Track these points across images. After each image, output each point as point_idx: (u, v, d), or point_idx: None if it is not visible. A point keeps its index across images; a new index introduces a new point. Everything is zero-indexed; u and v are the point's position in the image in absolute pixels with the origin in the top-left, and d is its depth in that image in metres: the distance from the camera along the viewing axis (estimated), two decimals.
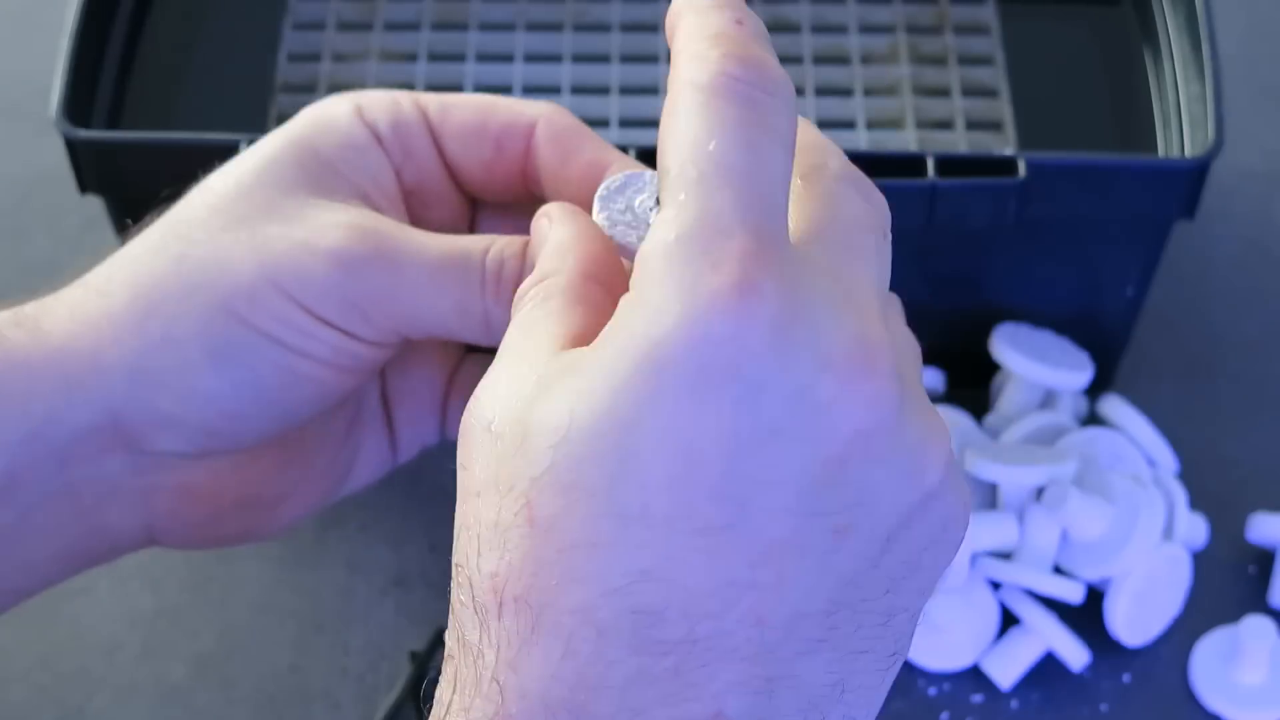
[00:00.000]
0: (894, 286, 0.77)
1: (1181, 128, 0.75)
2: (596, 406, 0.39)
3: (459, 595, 0.42)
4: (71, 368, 0.56)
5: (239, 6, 0.82)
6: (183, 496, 0.59)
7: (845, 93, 0.79)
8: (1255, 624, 0.71)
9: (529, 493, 0.39)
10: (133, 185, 0.74)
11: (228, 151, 0.71)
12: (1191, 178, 0.72)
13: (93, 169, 0.73)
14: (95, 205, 0.77)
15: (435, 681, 0.43)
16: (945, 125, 0.78)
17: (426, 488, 0.77)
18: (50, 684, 0.72)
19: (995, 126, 0.77)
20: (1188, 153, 0.74)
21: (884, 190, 0.72)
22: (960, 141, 0.77)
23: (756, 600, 0.39)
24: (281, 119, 0.78)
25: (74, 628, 0.74)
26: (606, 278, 0.47)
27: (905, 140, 0.77)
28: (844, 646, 0.40)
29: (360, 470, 0.63)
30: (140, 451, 0.57)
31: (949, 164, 0.71)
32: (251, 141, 0.71)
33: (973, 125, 0.78)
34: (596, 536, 0.39)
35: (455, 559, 0.42)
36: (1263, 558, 0.76)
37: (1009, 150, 0.76)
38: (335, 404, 0.59)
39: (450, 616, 0.42)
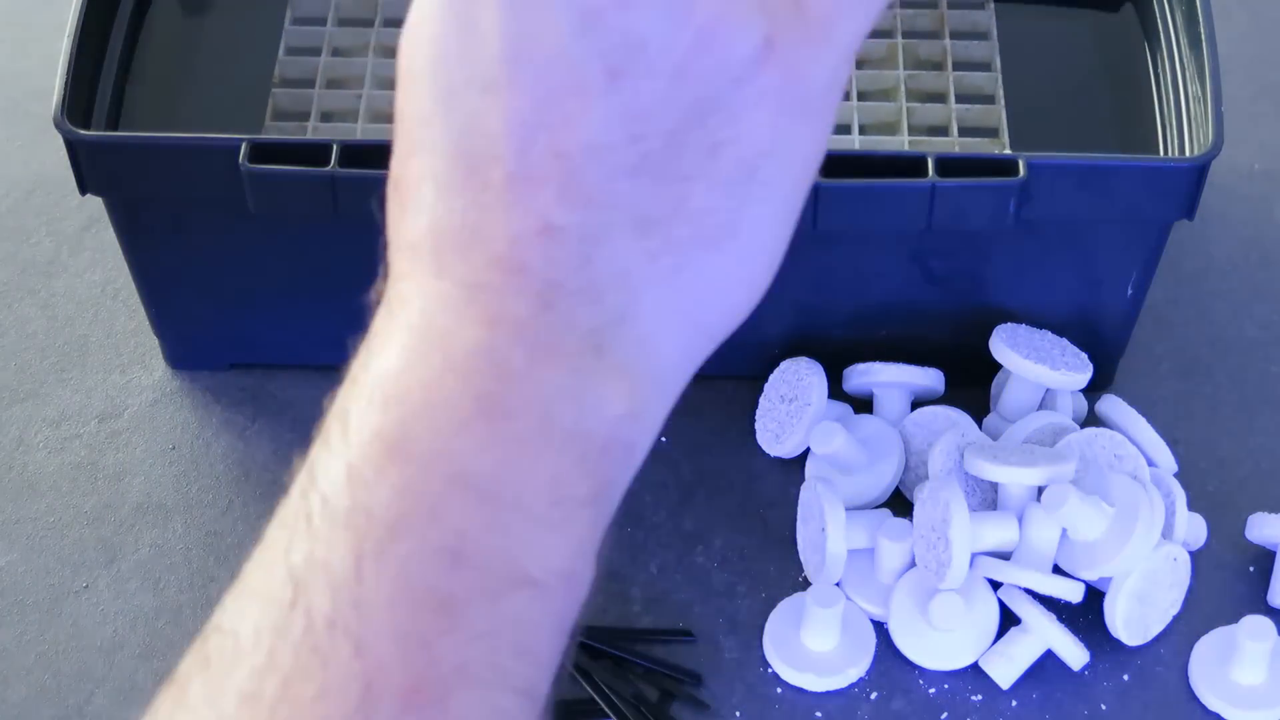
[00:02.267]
0: (894, 288, 0.78)
1: (1181, 128, 0.76)
2: (416, 14, 0.47)
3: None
4: None
5: (239, 6, 0.82)
6: None
7: (842, 96, 0.79)
8: (1254, 624, 0.71)
9: (399, 89, 0.47)
10: (133, 185, 0.74)
11: (228, 152, 0.71)
12: (1191, 178, 0.72)
13: (93, 169, 0.73)
14: (95, 205, 0.77)
15: None
16: (941, 130, 0.78)
17: None
18: (51, 683, 0.72)
19: (991, 132, 0.77)
20: (1187, 153, 0.74)
21: (884, 191, 0.73)
22: (955, 146, 0.77)
23: (550, 138, 0.44)
24: (278, 113, 0.78)
25: (74, 627, 0.74)
26: None
27: (900, 145, 0.77)
28: (666, 173, 0.45)
29: None
30: None
31: (949, 165, 0.71)
32: (251, 143, 0.71)
33: (967, 130, 0.78)
34: (422, 111, 0.46)
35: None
36: (1262, 557, 0.76)
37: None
38: None
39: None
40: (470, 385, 0.44)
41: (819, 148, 0.47)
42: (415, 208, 0.46)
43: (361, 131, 0.77)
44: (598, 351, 0.46)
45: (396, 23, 0.82)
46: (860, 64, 0.80)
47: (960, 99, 0.78)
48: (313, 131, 0.77)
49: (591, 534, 0.46)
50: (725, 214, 0.47)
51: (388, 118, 0.77)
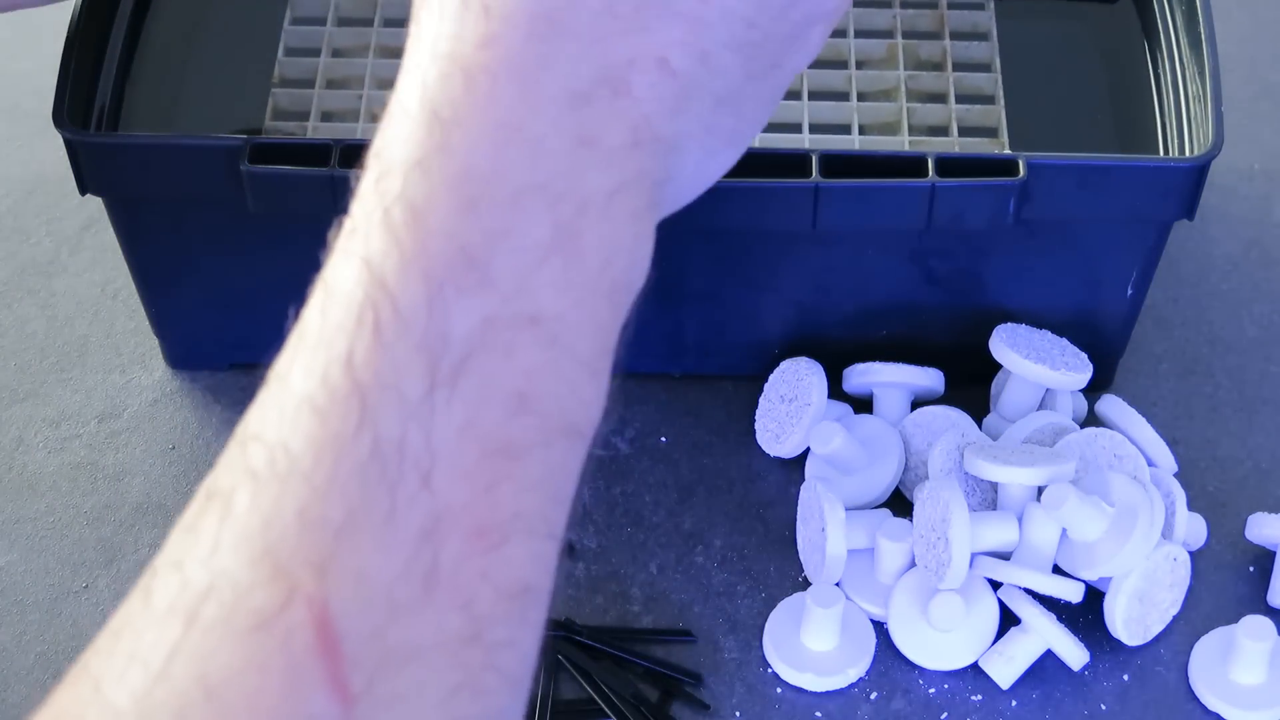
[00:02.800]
0: (894, 287, 0.78)
1: (1181, 128, 0.76)
2: None
3: None
4: None
5: (239, 6, 0.82)
6: None
7: (841, 96, 0.79)
8: (1254, 624, 0.71)
9: None
10: (133, 185, 0.74)
11: (228, 152, 0.71)
12: (1191, 178, 0.72)
13: (93, 169, 0.73)
14: (95, 205, 0.77)
15: None
16: (941, 130, 0.78)
17: None
18: (50, 683, 0.72)
19: (991, 132, 0.77)
20: (1187, 153, 0.74)
21: (884, 191, 0.72)
22: (954, 147, 0.77)
23: None
24: (278, 113, 0.78)
25: (74, 627, 0.74)
26: None
27: (900, 145, 0.77)
28: (752, 66, 0.49)
29: None
30: None
31: (949, 164, 0.71)
32: (251, 144, 0.71)
33: (967, 130, 0.77)
34: None
35: None
36: (1262, 557, 0.76)
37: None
38: None
39: None
40: (554, 212, 0.44)
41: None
42: None
43: (362, 131, 0.77)
44: (653, 205, 0.47)
45: (396, 22, 0.82)
46: (860, 64, 0.80)
47: (960, 99, 0.78)
48: (313, 131, 0.77)
49: (609, 384, 0.46)
50: (752, 124, 0.51)
51: None
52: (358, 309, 0.42)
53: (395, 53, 0.80)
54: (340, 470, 0.41)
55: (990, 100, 0.78)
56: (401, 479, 0.41)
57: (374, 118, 0.78)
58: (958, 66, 0.80)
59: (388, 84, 0.77)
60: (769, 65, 0.50)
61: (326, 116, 0.78)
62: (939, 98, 0.79)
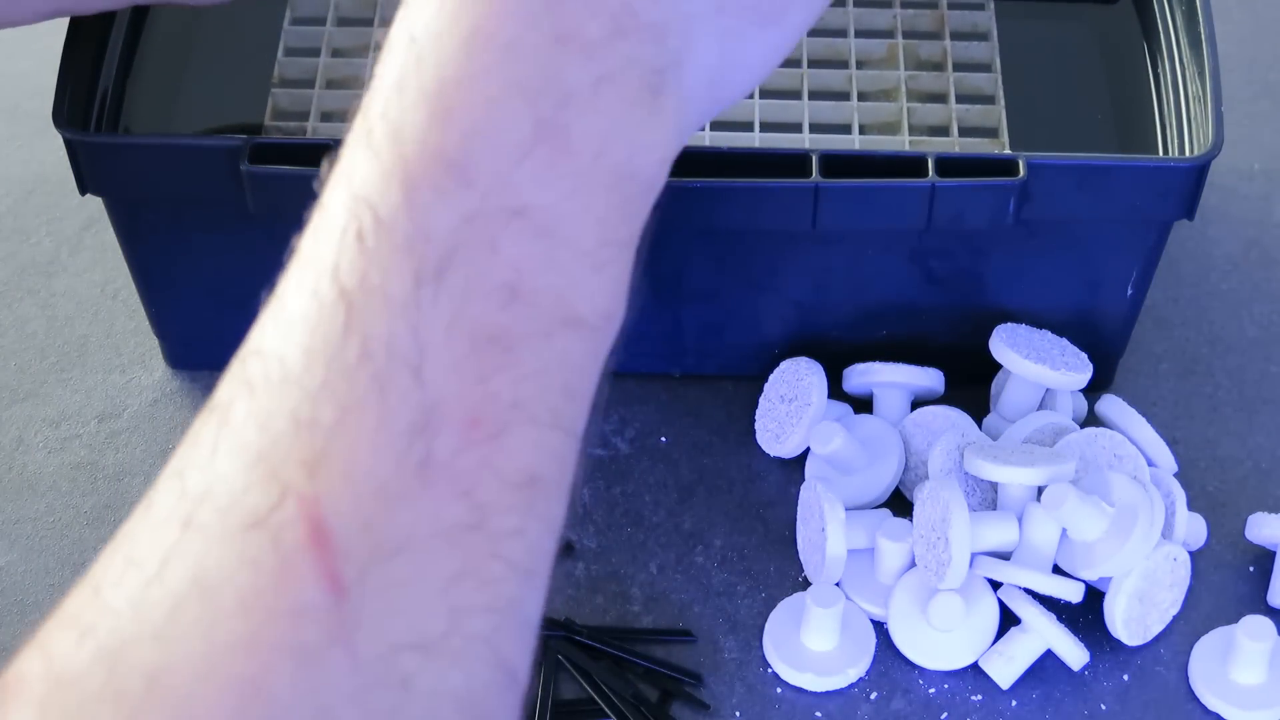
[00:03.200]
0: (894, 287, 0.78)
1: (1181, 128, 0.76)
2: None
3: None
4: None
5: (239, 6, 0.82)
6: None
7: (842, 96, 0.79)
8: (1254, 624, 0.71)
9: None
10: (133, 185, 0.74)
11: (228, 152, 0.71)
12: (1191, 178, 0.72)
13: (93, 169, 0.73)
14: (95, 205, 0.77)
15: None
16: (941, 130, 0.78)
17: None
18: None
19: (991, 132, 0.77)
20: (1187, 153, 0.74)
21: (884, 191, 0.72)
22: (955, 147, 0.77)
23: None
24: (277, 113, 0.78)
25: None
26: None
27: (900, 145, 0.77)
28: None
29: None
30: None
31: (949, 164, 0.71)
32: (251, 144, 0.71)
33: (968, 130, 0.77)
34: None
35: None
36: (1262, 557, 0.76)
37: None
38: None
39: None
40: (535, 108, 0.44)
41: None
42: None
43: None
44: (654, 91, 0.46)
45: None
46: (860, 64, 0.80)
47: (960, 99, 0.78)
48: (313, 132, 0.77)
49: (627, 276, 0.46)
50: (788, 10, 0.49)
51: None
52: (341, 224, 0.43)
53: None
54: (330, 373, 0.41)
55: (990, 100, 0.78)
56: (391, 376, 0.41)
57: None
58: (958, 66, 0.80)
59: None
60: None
61: (326, 116, 0.78)
62: (939, 98, 0.79)
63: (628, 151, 0.45)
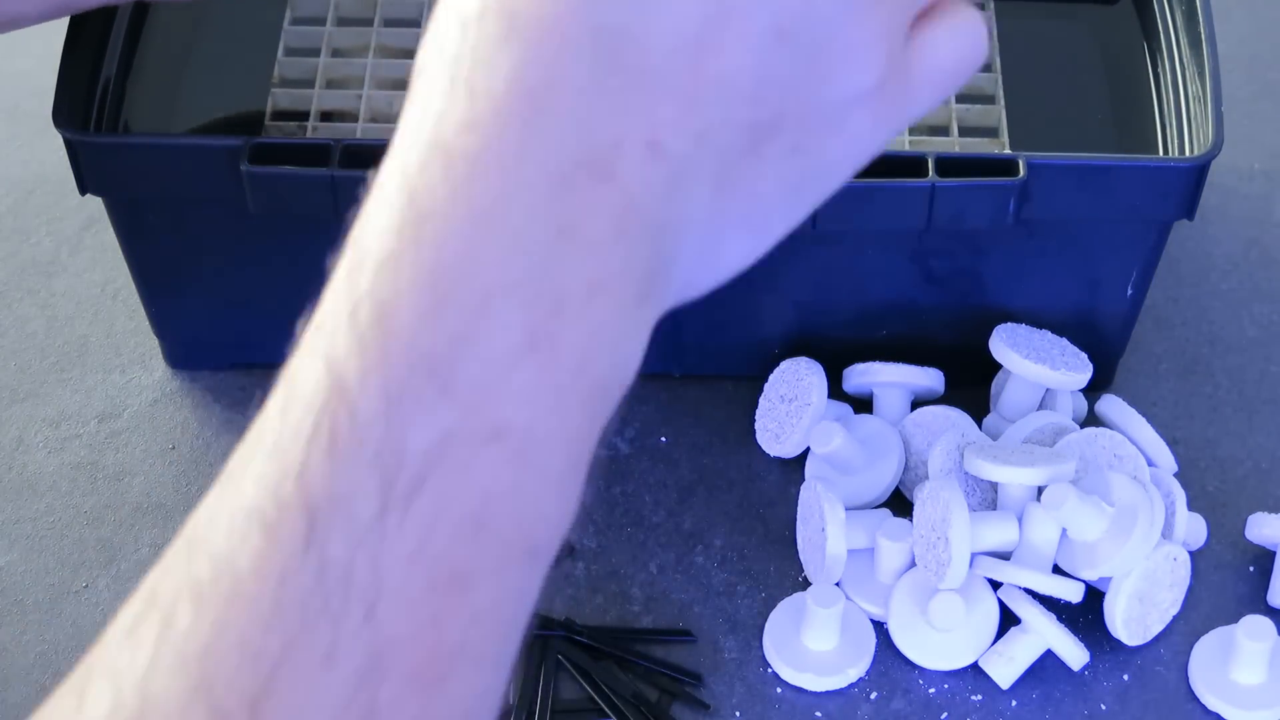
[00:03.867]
0: (894, 288, 0.78)
1: (1181, 128, 0.76)
2: None
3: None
4: None
5: (239, 6, 0.82)
6: None
7: None
8: (1254, 623, 0.71)
9: None
10: (133, 185, 0.74)
11: (229, 153, 0.71)
12: (1191, 178, 0.72)
13: (93, 169, 0.73)
14: (95, 205, 0.77)
15: None
16: (941, 130, 0.78)
17: None
18: (50, 683, 0.72)
19: (991, 132, 0.77)
20: (1187, 153, 0.74)
21: (884, 191, 0.72)
22: (954, 146, 0.77)
23: (699, 55, 0.43)
24: (277, 113, 0.78)
25: (74, 627, 0.74)
26: None
27: (900, 145, 0.77)
28: (757, 146, 0.46)
29: None
30: None
31: (949, 164, 0.71)
32: (251, 144, 0.71)
33: (967, 130, 0.77)
34: None
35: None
36: (1262, 557, 0.76)
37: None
38: None
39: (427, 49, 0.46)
40: (528, 314, 0.41)
41: (848, 178, 0.50)
42: (504, 49, 0.43)
43: (361, 132, 0.77)
44: (641, 299, 0.44)
45: (396, 23, 0.82)
46: None
47: (960, 99, 0.78)
48: (312, 131, 0.77)
49: (581, 497, 0.44)
50: (772, 210, 0.48)
51: (388, 118, 0.78)
52: (315, 415, 0.41)
53: (395, 53, 0.80)
54: (283, 596, 0.40)
55: (990, 100, 0.78)
56: (345, 612, 0.40)
57: (374, 117, 0.78)
58: None
59: (388, 84, 0.78)
60: (788, 149, 0.47)
61: (326, 116, 0.78)
62: None
63: (609, 363, 0.43)
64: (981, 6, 0.82)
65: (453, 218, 0.42)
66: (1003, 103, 0.78)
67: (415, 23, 0.80)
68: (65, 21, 0.76)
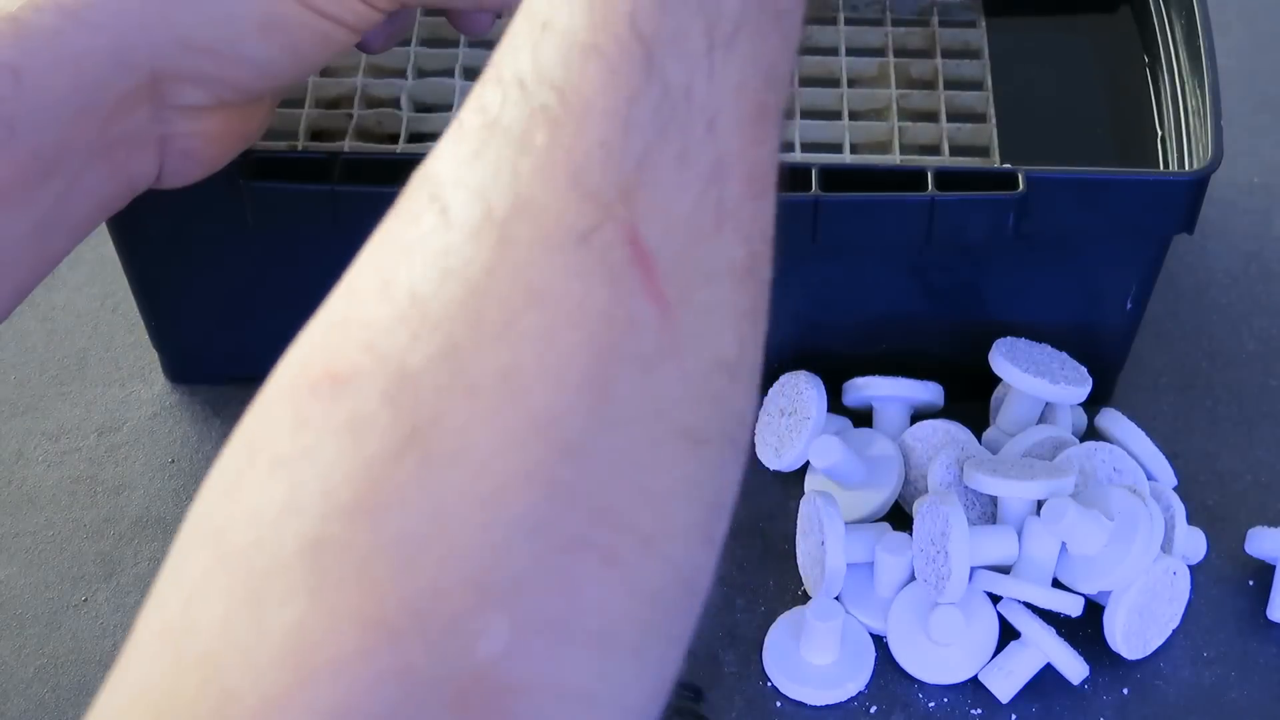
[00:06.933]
0: (894, 301, 0.78)
1: (1180, 142, 0.76)
2: None
3: None
4: (124, 36, 0.62)
5: None
6: (196, 140, 0.66)
7: (833, 115, 0.79)
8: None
9: None
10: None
11: (227, 167, 0.71)
12: (1190, 192, 0.72)
13: None
14: None
15: None
16: (932, 149, 0.78)
17: None
18: (50, 697, 0.72)
19: (982, 151, 0.77)
20: (1187, 167, 0.74)
21: (883, 205, 0.72)
22: (946, 163, 0.77)
23: None
24: (268, 132, 0.78)
25: (74, 641, 0.74)
26: None
27: (891, 164, 0.77)
28: None
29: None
30: (165, 104, 0.64)
31: (948, 178, 0.71)
32: (246, 156, 0.71)
33: (959, 150, 0.77)
34: None
35: None
36: (1261, 571, 0.76)
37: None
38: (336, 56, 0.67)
39: None
40: None
41: None
42: None
43: (350, 150, 0.77)
44: None
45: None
46: (852, 83, 0.80)
47: (951, 118, 0.78)
48: (302, 150, 0.77)
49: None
50: None
51: (376, 137, 0.78)
52: None
53: (384, 71, 0.80)
54: (635, 111, 0.43)
55: (982, 119, 0.78)
56: (690, 122, 0.44)
57: (363, 136, 0.78)
58: (949, 85, 0.80)
59: (377, 102, 0.78)
60: None
61: (316, 135, 0.78)
62: (930, 116, 0.79)
63: None
64: (972, 24, 0.82)
65: None
66: (994, 121, 0.78)
67: (404, 42, 0.80)
68: None
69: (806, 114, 0.79)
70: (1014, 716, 0.72)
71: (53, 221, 0.63)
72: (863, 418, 0.79)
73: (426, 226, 0.43)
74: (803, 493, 0.77)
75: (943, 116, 0.78)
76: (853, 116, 0.79)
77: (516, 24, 0.46)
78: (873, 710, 0.72)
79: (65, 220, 0.64)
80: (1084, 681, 0.72)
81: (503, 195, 0.43)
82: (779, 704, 0.72)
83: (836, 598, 0.73)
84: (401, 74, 0.80)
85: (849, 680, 0.72)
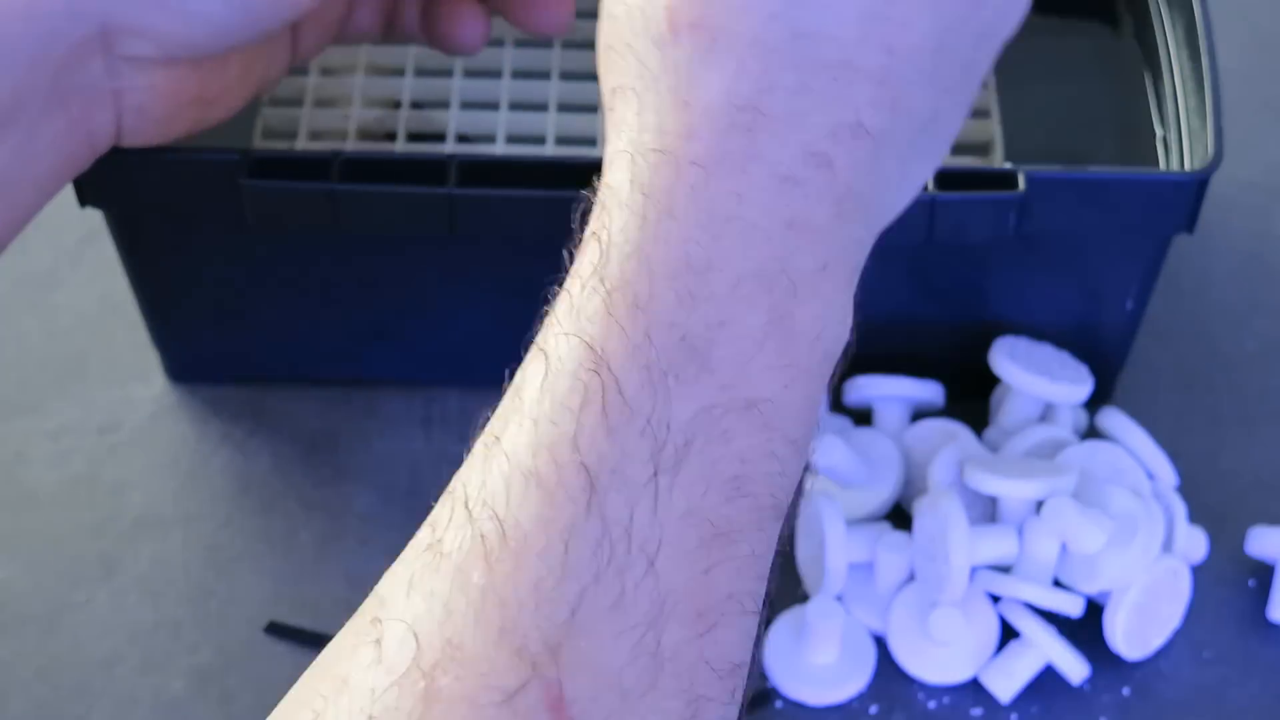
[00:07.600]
0: (894, 301, 0.78)
1: (1181, 141, 0.76)
2: None
3: (629, 37, 0.48)
4: None
5: None
6: (149, 95, 0.64)
7: None
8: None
9: None
10: (132, 198, 0.74)
11: (228, 166, 0.71)
12: (1191, 191, 0.72)
13: (92, 182, 0.73)
14: (95, 218, 0.77)
15: None
16: None
17: (426, 501, 0.76)
18: (49, 697, 0.72)
19: (984, 149, 0.77)
20: (1187, 167, 0.74)
21: None
22: (946, 162, 0.77)
23: (887, 31, 0.46)
24: (267, 132, 0.78)
25: (73, 640, 0.74)
26: None
27: None
28: (939, 83, 0.49)
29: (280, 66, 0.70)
30: (115, 56, 0.62)
31: (949, 178, 0.71)
32: (246, 155, 0.71)
33: (961, 148, 0.77)
34: None
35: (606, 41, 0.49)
36: (1262, 571, 0.76)
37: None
38: (300, 17, 0.65)
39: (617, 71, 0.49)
40: (769, 297, 0.45)
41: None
42: (710, 64, 0.46)
43: (349, 150, 0.77)
44: (856, 270, 0.49)
45: (385, 42, 0.82)
46: None
47: None
48: (302, 150, 0.77)
49: (809, 457, 0.48)
50: (950, 134, 0.52)
51: (376, 136, 0.78)
52: (583, 390, 0.43)
53: (384, 70, 0.80)
54: (573, 551, 0.42)
55: (985, 115, 0.78)
56: (629, 563, 0.43)
57: (363, 136, 0.78)
58: None
59: (376, 103, 0.78)
60: (960, 75, 0.51)
61: (315, 135, 0.78)
62: None
63: (835, 333, 0.47)
64: None
65: (692, 218, 0.45)
66: (997, 117, 0.78)
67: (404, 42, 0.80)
68: None
69: None
70: (1014, 716, 0.72)
71: (14, 177, 0.62)
72: (863, 417, 0.79)
73: (364, 660, 0.43)
74: None
75: None
76: None
77: (482, 431, 0.45)
78: (873, 710, 0.72)
79: (27, 174, 0.63)
80: (1084, 681, 0.72)
81: (433, 637, 0.42)
82: (779, 704, 0.72)
83: (837, 597, 0.73)
84: (401, 72, 0.80)
85: (849, 680, 0.72)
